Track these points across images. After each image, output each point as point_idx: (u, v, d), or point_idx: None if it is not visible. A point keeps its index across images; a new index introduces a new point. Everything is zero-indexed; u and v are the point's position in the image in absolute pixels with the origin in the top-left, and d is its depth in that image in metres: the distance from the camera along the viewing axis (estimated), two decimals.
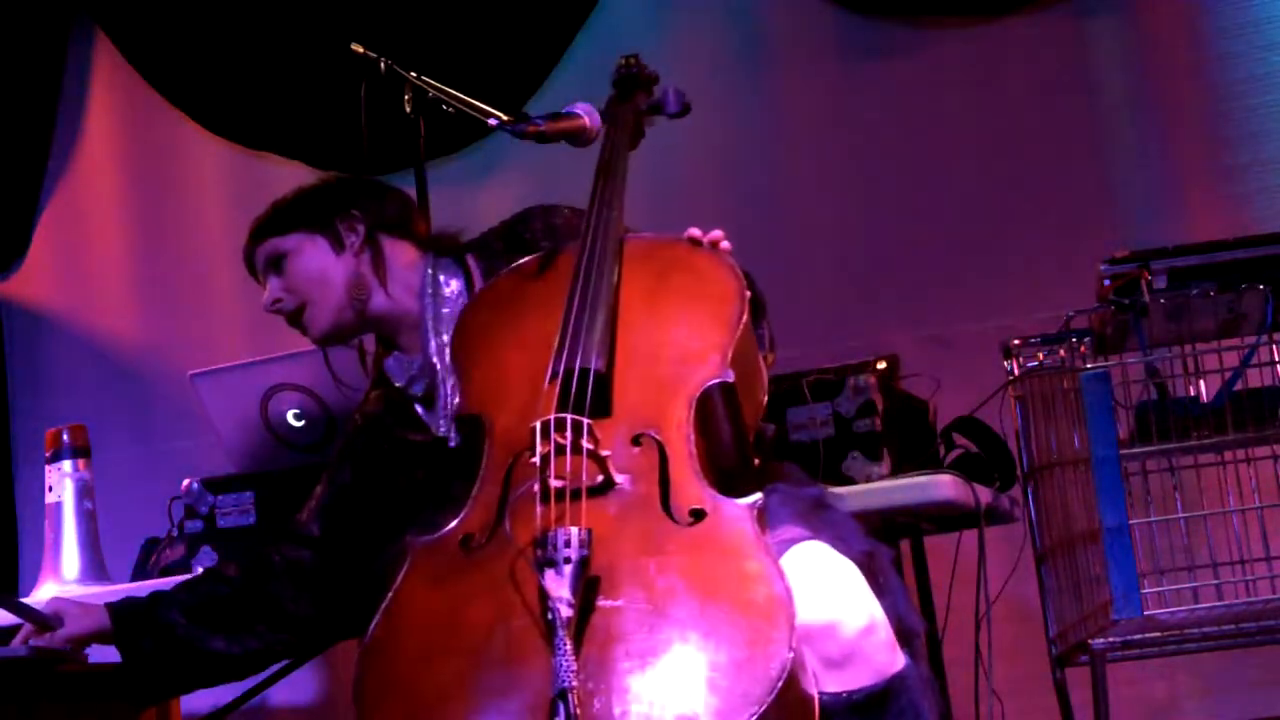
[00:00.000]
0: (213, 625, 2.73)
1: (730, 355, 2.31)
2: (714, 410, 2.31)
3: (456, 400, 2.54)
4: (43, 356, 5.39)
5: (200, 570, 3.11)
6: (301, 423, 3.57)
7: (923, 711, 2.20)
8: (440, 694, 2.04)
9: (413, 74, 3.13)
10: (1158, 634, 3.20)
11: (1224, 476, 3.25)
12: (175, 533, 3.54)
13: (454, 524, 2.24)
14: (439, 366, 2.71)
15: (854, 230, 4.61)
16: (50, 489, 3.48)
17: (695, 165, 4.63)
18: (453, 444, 2.67)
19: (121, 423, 5.14)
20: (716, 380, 2.29)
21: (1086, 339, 3.22)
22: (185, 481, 3.54)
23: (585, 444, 2.18)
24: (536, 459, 2.17)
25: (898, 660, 2.20)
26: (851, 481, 3.23)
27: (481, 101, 3.07)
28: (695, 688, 1.96)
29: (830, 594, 2.17)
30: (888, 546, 2.41)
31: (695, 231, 2.51)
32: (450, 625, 2.10)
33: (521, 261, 2.60)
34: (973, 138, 4.53)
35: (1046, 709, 3.35)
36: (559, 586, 2.01)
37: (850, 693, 2.15)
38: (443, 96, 3.11)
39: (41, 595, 3.32)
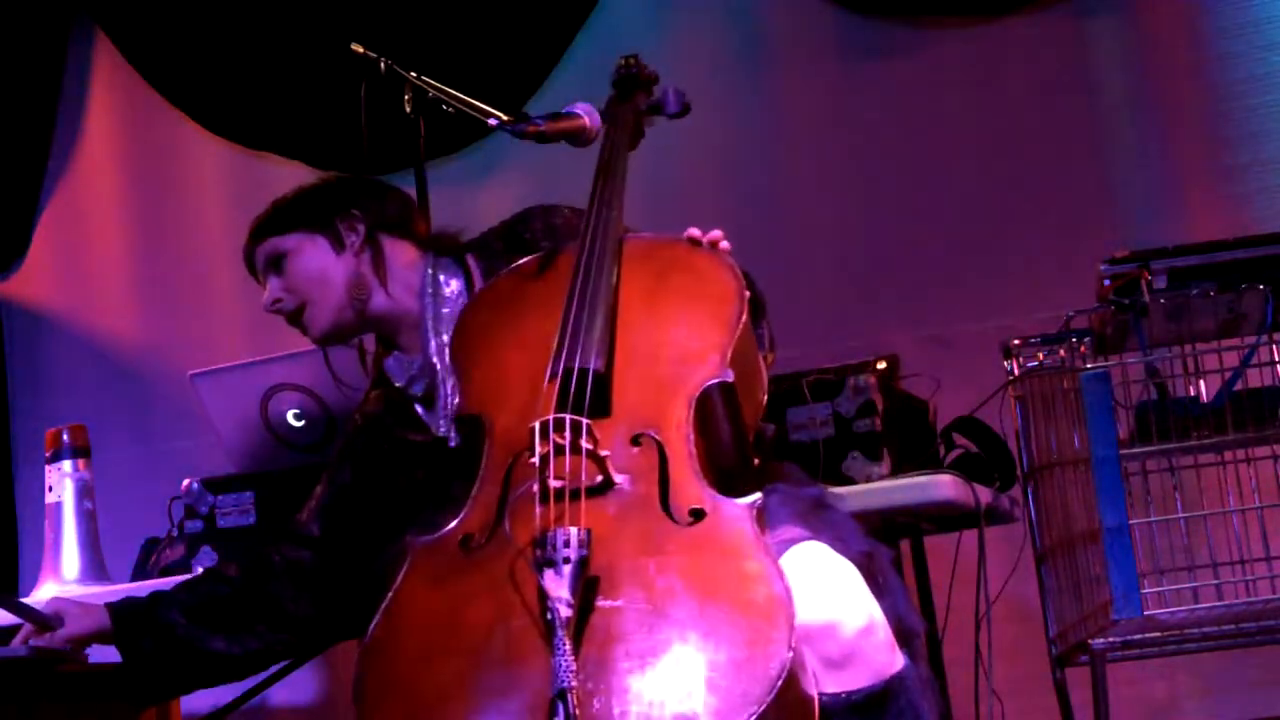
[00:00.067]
0: (213, 625, 2.73)
1: (730, 355, 2.31)
2: (713, 410, 2.31)
3: (456, 400, 2.54)
4: (43, 356, 5.39)
5: (200, 570, 3.11)
6: (301, 423, 3.57)
7: (922, 712, 2.20)
8: (440, 694, 2.04)
9: (413, 74, 3.13)
10: (1158, 634, 3.20)
11: (1224, 476, 3.25)
12: (175, 533, 3.54)
13: (454, 524, 2.24)
14: (439, 366, 2.71)
15: (854, 230, 4.61)
16: (50, 489, 3.48)
17: (695, 165, 4.63)
18: (453, 444, 2.67)
19: (121, 423, 5.14)
20: (716, 380, 2.29)
21: (1086, 339, 3.22)
22: (185, 481, 3.54)
23: (584, 444, 2.18)
24: (536, 459, 2.17)
25: (897, 660, 2.20)
26: (851, 481, 3.23)
27: (481, 101, 3.07)
28: (695, 687, 1.96)
29: (829, 594, 2.17)
30: (887, 547, 2.41)
31: (695, 231, 2.51)
32: (450, 625, 2.10)
33: (521, 261, 2.60)
34: (973, 138, 4.53)
35: (1046, 709, 3.35)
36: (558, 586, 2.01)
37: (850, 693, 2.15)
38: (443, 96, 3.11)
39: (41, 595, 3.32)
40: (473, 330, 2.53)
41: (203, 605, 2.74)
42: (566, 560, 2.04)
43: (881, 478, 3.24)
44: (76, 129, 5.41)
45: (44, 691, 2.68)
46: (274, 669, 3.14)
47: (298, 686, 4.49)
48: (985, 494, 3.31)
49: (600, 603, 2.04)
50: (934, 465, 3.33)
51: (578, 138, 2.71)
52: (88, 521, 3.48)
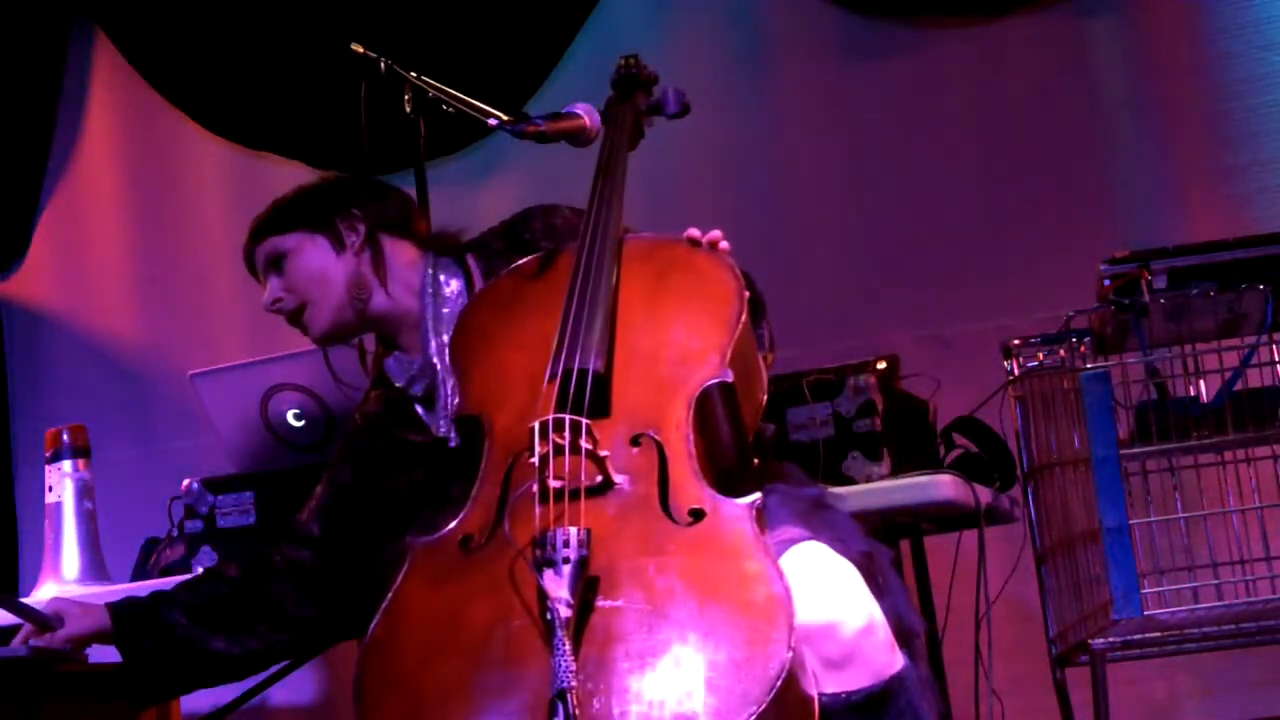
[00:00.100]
0: (213, 625, 2.73)
1: (729, 355, 2.31)
2: (713, 410, 2.31)
3: (456, 400, 2.54)
4: (43, 356, 5.39)
5: (200, 570, 3.11)
6: (301, 423, 3.57)
7: (922, 712, 2.20)
8: (440, 694, 2.04)
9: (413, 74, 3.13)
10: (1158, 634, 3.20)
11: (1224, 476, 3.25)
12: (175, 533, 3.55)
13: (454, 524, 2.24)
14: (439, 367, 2.71)
15: (854, 230, 4.61)
16: (50, 489, 3.48)
17: (695, 165, 4.63)
18: (453, 444, 2.67)
19: (121, 423, 5.14)
20: (715, 380, 2.29)
21: (1086, 339, 3.22)
22: (185, 481, 3.54)
23: (584, 444, 2.18)
24: (535, 459, 2.17)
25: (897, 661, 2.20)
26: (851, 481, 3.23)
27: (481, 101, 3.07)
28: (694, 687, 1.96)
29: (829, 594, 2.17)
30: (887, 547, 2.41)
31: (694, 231, 2.50)
32: (450, 625, 2.10)
33: (521, 262, 2.60)
34: (973, 138, 4.53)
35: (1046, 709, 3.35)
36: (558, 587, 2.02)
37: (849, 693, 2.15)
38: (443, 96, 3.11)
39: (41, 595, 3.33)
40: (473, 330, 2.53)
41: (203, 605, 2.74)
42: (566, 560, 2.04)
43: (881, 478, 3.24)
44: (76, 129, 5.41)
45: (44, 691, 2.68)
46: (274, 669, 3.14)
47: (298, 686, 4.49)
48: (985, 494, 3.31)
49: (600, 603, 2.05)
50: (934, 465, 3.33)
51: (578, 138, 2.71)
52: (88, 521, 3.48)
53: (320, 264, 2.78)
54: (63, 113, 5.40)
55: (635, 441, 2.24)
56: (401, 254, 2.80)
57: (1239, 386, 3.15)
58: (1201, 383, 3.22)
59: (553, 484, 2.16)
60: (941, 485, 3.16)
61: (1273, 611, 3.16)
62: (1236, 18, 4.39)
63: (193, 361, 4.08)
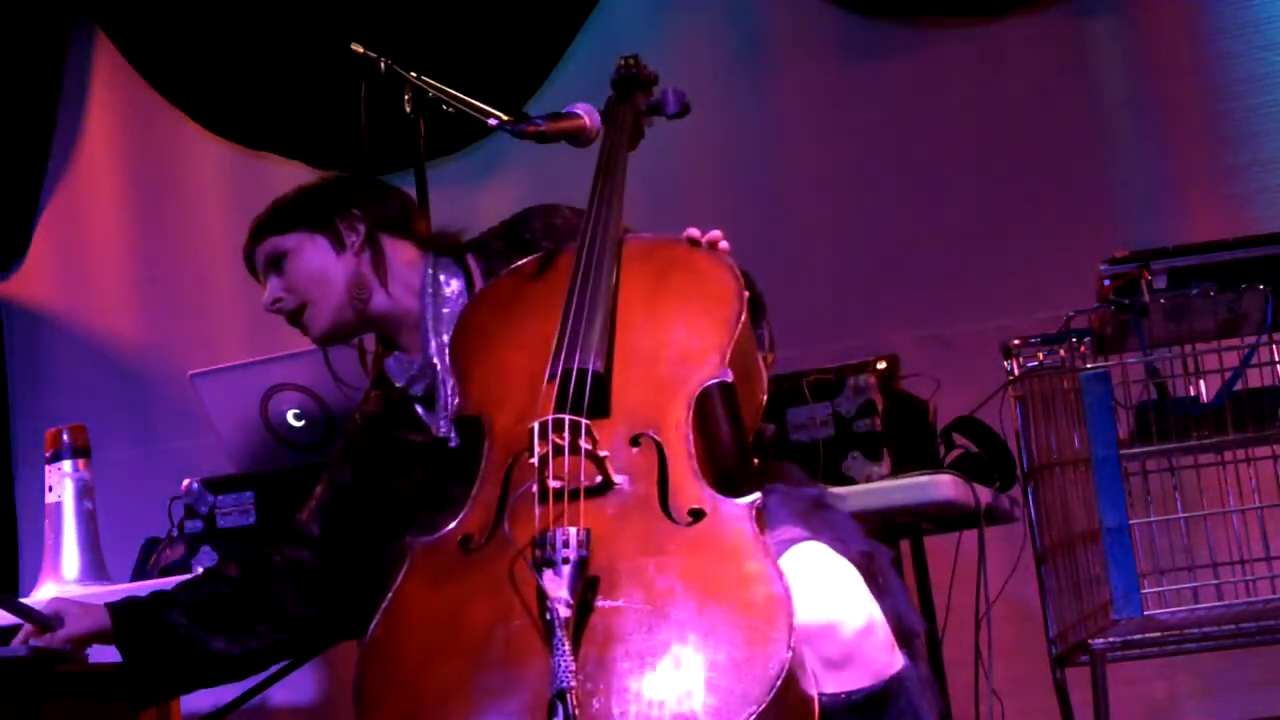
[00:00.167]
0: (213, 625, 2.73)
1: (729, 355, 2.31)
2: (713, 410, 2.31)
3: (456, 401, 2.53)
4: (43, 356, 5.39)
5: (200, 570, 3.11)
6: (301, 423, 3.57)
7: (922, 712, 2.20)
8: (440, 694, 2.04)
9: (413, 74, 3.13)
10: (1158, 634, 3.20)
11: (1224, 476, 3.25)
12: (175, 533, 3.55)
13: (453, 524, 2.24)
14: (439, 367, 2.71)
15: (854, 230, 4.61)
16: (50, 489, 3.48)
17: (695, 165, 4.63)
18: (452, 444, 2.67)
19: (121, 423, 5.14)
20: (715, 380, 2.29)
21: (1086, 339, 3.22)
22: (185, 481, 3.54)
23: (583, 444, 2.18)
24: (535, 459, 2.17)
25: (896, 661, 2.20)
26: (851, 481, 3.23)
27: (481, 101, 3.07)
28: (694, 687, 1.96)
29: (829, 594, 2.17)
30: (887, 547, 2.41)
31: (694, 231, 2.50)
32: (450, 625, 2.10)
33: (521, 262, 2.60)
34: (973, 138, 4.53)
35: (1046, 709, 3.35)
36: (557, 587, 2.02)
37: (849, 693, 2.15)
38: (443, 96, 3.11)
39: (41, 595, 3.33)
40: (473, 330, 2.53)
41: (203, 605, 2.74)
42: (566, 560, 2.04)
43: (881, 478, 3.24)
44: (76, 129, 5.41)
45: (44, 691, 2.68)
46: (274, 669, 3.14)
47: (298, 686, 4.49)
48: (985, 494, 3.31)
49: (599, 603, 2.05)
50: (934, 465, 3.33)
51: (578, 138, 2.71)
52: (88, 521, 3.48)
53: (320, 264, 2.78)
54: (63, 113, 5.40)
55: (635, 441, 2.24)
56: (401, 254, 2.80)
57: (1239, 386, 3.15)
58: (1201, 383, 3.22)
59: (552, 484, 2.16)
60: (941, 485, 3.16)
61: (1273, 611, 3.16)
62: (1236, 18, 4.39)
63: (193, 361, 4.08)
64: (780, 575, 2.06)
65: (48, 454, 3.50)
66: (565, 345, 2.32)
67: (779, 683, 1.96)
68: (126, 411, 5.19)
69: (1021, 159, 4.48)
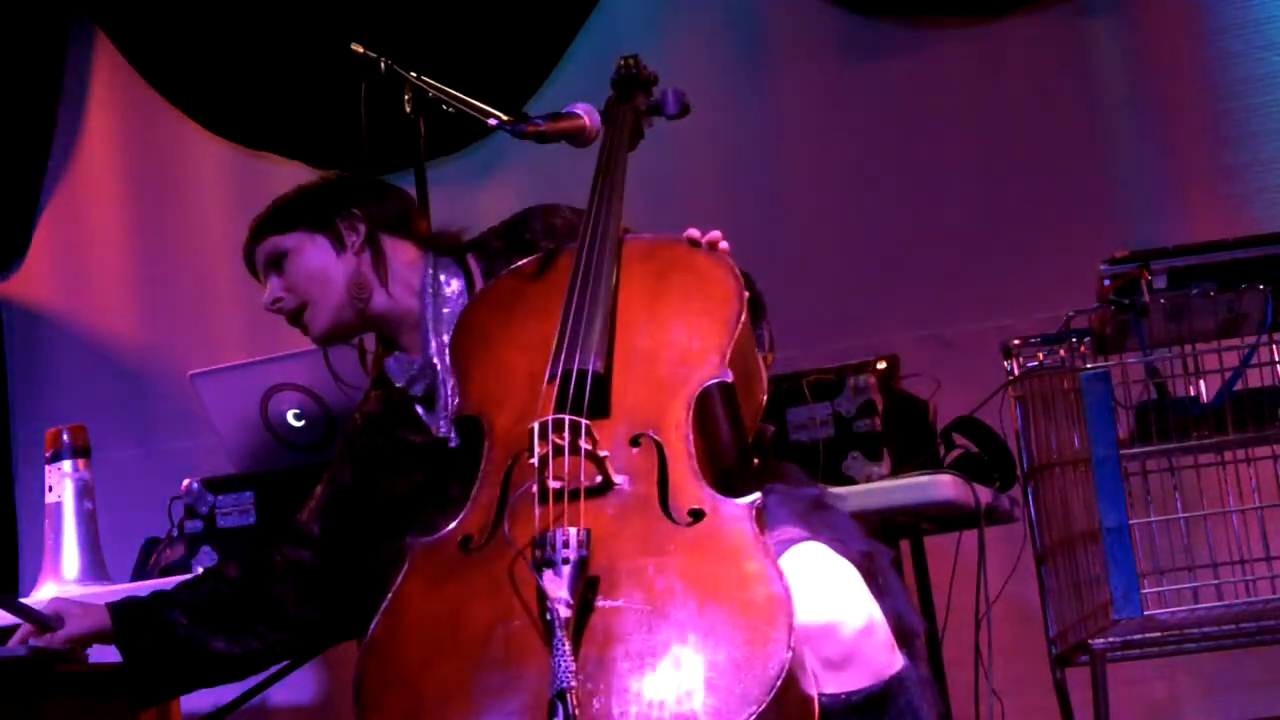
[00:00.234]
0: (214, 626, 2.73)
1: (729, 355, 2.31)
2: (713, 410, 2.31)
3: (456, 401, 2.53)
4: (43, 356, 5.39)
5: (200, 570, 3.11)
6: (301, 423, 3.57)
7: (921, 712, 2.20)
8: (440, 694, 2.04)
9: (413, 74, 3.13)
10: (1158, 634, 3.20)
11: (1224, 476, 3.25)
12: (175, 533, 3.55)
13: (453, 525, 2.24)
14: (439, 367, 2.71)
15: (854, 230, 4.61)
16: (50, 489, 3.48)
17: (695, 165, 4.63)
18: (453, 445, 2.67)
19: (121, 423, 5.14)
20: (715, 380, 2.29)
21: (1086, 339, 3.22)
22: (185, 481, 3.54)
23: (584, 445, 2.18)
24: (535, 460, 2.17)
25: (896, 661, 2.20)
26: (851, 481, 3.23)
27: (481, 101, 3.06)
28: (694, 688, 1.96)
29: (829, 595, 2.17)
30: (887, 547, 2.41)
31: (694, 232, 2.50)
32: (450, 626, 2.10)
33: (522, 262, 2.60)
34: (973, 138, 4.53)
35: (1046, 709, 3.35)
36: (557, 587, 2.02)
37: (849, 694, 2.15)
38: (443, 96, 3.11)
39: (42, 595, 3.32)
40: (473, 330, 2.52)
41: (204, 605, 2.74)
42: (566, 561, 2.04)
43: (881, 478, 3.24)
44: (76, 129, 5.41)
45: (44, 691, 2.68)
46: (274, 669, 3.14)
47: (298, 686, 4.49)
48: (985, 494, 3.31)
49: (599, 603, 2.05)
50: (934, 465, 3.33)
51: (578, 138, 2.71)
52: (88, 521, 3.48)
53: (320, 264, 2.78)
54: (63, 113, 5.40)
55: (635, 442, 2.24)
56: (402, 254, 2.80)
57: (1239, 386, 3.15)
58: (1201, 383, 3.22)
59: (552, 484, 2.16)
60: (941, 485, 3.16)
61: (1273, 611, 3.16)
62: (1236, 18, 4.39)
63: (193, 361, 4.08)
64: (780, 575, 2.06)
65: (48, 454, 3.50)
66: (565, 345, 2.32)
67: (779, 683, 1.96)
68: (126, 411, 5.19)
69: (1021, 159, 4.48)
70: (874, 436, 3.28)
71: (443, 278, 2.77)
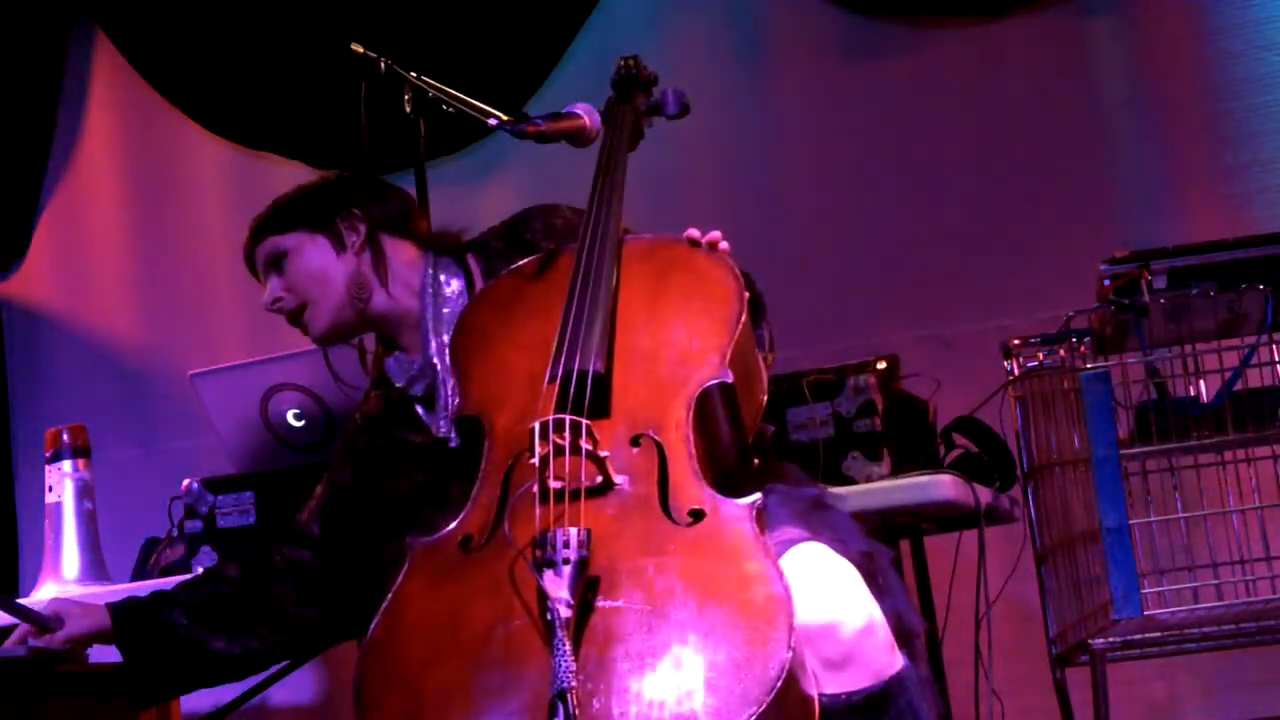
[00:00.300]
0: (214, 626, 2.73)
1: (729, 356, 2.31)
2: (713, 411, 2.31)
3: (457, 401, 2.53)
4: (43, 356, 5.39)
5: (200, 570, 3.11)
6: (301, 423, 3.57)
7: (921, 713, 2.20)
8: (440, 694, 2.04)
9: (413, 74, 3.13)
10: (1158, 634, 3.21)
11: (1224, 476, 3.25)
12: (175, 533, 3.55)
13: (454, 525, 2.24)
14: (439, 367, 2.71)
15: (854, 230, 4.62)
16: (50, 489, 3.48)
17: (695, 165, 4.63)
18: (453, 445, 2.67)
19: (121, 423, 5.14)
20: (715, 381, 2.29)
21: (1086, 339, 3.22)
22: (185, 481, 3.54)
23: (584, 445, 2.18)
24: (535, 460, 2.17)
25: (896, 661, 2.20)
26: (851, 481, 3.23)
27: (481, 101, 3.07)
28: (694, 688, 1.96)
29: (829, 595, 2.17)
30: (887, 547, 2.41)
31: (694, 232, 2.50)
32: (450, 626, 2.10)
33: (522, 262, 2.60)
34: (973, 138, 4.53)
35: (1046, 709, 3.35)
36: (558, 587, 2.02)
37: (849, 694, 2.15)
38: (443, 96, 3.11)
39: (41, 595, 3.32)
40: (473, 331, 2.52)
41: (204, 606, 2.74)
42: (566, 561, 2.04)
43: (881, 478, 3.24)
44: (76, 129, 5.41)
45: (44, 691, 2.68)
46: (274, 669, 3.14)
47: (298, 686, 4.49)
48: (985, 494, 3.31)
49: (600, 603, 2.05)
50: (934, 465, 3.33)
51: (578, 138, 2.71)
52: (88, 521, 3.48)
53: (321, 264, 2.78)
54: (63, 113, 5.40)
55: (635, 442, 2.24)
56: (402, 254, 2.80)
57: (1239, 386, 3.15)
58: (1201, 383, 3.22)
59: (553, 484, 2.16)
60: (941, 485, 3.16)
61: (1273, 611, 3.17)
62: (1236, 18, 4.39)
63: (193, 361, 4.08)
64: (780, 575, 2.06)
65: (48, 454, 3.50)
66: (566, 346, 2.32)
67: (779, 683, 1.96)
68: (126, 411, 5.19)
69: (1021, 159, 4.48)
70: (874, 436, 3.28)
71: (443, 278, 2.77)
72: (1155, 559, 3.11)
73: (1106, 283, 3.14)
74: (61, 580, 3.43)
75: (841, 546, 2.26)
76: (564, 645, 1.96)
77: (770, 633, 2.00)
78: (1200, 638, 3.26)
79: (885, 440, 3.28)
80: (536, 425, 2.19)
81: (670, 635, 2.00)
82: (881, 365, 3.34)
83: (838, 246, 4.62)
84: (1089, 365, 3.16)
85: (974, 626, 3.29)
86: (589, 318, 2.35)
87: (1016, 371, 3.26)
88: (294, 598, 2.77)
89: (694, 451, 2.23)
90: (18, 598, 3.16)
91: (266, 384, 3.56)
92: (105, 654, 2.76)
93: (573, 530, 2.07)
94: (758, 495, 2.16)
